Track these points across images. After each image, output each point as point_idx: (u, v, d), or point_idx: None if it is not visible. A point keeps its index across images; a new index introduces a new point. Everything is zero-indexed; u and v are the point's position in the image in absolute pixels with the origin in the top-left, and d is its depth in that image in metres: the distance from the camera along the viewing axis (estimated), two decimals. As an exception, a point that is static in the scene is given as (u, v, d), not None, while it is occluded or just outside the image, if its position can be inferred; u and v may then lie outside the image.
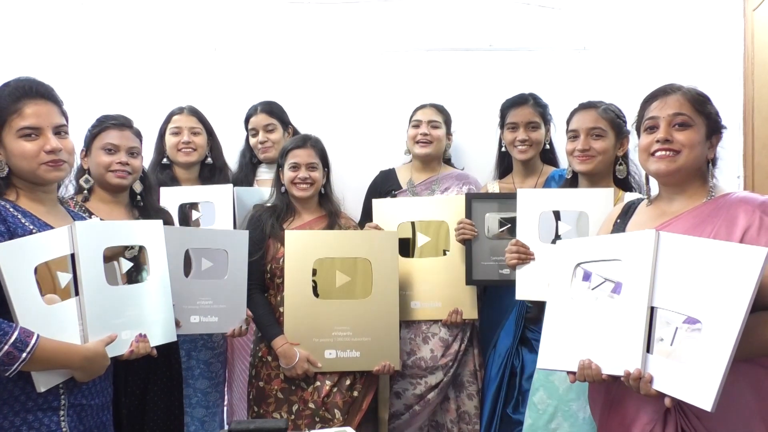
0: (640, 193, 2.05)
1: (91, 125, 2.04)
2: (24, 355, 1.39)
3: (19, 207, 1.54)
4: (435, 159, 2.64)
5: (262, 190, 2.59)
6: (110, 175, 1.99)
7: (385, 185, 2.67)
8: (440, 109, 2.64)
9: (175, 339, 1.85)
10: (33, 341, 1.41)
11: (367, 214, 2.56)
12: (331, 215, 2.38)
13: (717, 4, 2.77)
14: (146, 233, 1.79)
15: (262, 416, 2.22)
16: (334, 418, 2.20)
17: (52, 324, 1.49)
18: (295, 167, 2.31)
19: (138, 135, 2.08)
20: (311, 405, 2.20)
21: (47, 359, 1.45)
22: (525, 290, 2.08)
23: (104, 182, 2.02)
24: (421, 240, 2.46)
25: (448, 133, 2.66)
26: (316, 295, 2.23)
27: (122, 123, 2.03)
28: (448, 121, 2.65)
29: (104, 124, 2.01)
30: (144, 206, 2.11)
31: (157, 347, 1.78)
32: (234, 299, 2.16)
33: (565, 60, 2.98)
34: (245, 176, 2.74)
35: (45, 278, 1.49)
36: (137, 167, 2.04)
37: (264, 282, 2.30)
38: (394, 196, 2.60)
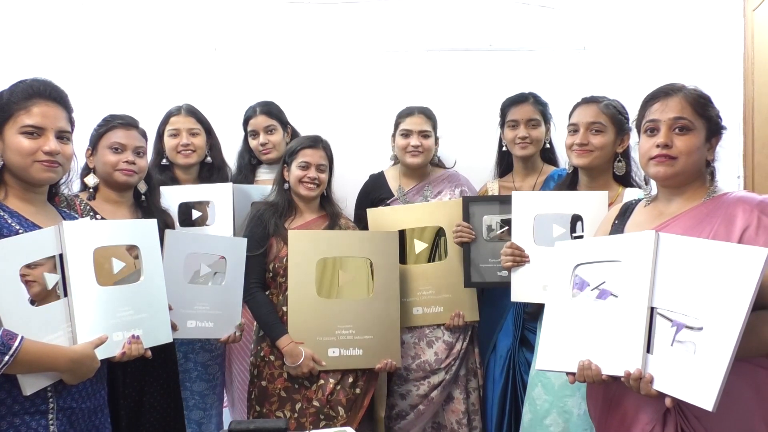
0: (641, 188, 2.04)
1: (97, 124, 2.05)
2: (6, 358, 1.35)
3: (6, 207, 1.53)
4: (425, 166, 2.60)
5: (262, 187, 2.56)
6: (117, 174, 2.00)
7: (375, 192, 2.64)
8: (429, 115, 2.55)
9: (170, 340, 1.83)
10: (16, 344, 1.37)
11: (360, 221, 2.52)
12: (332, 216, 2.39)
13: (717, 4, 2.77)
14: (140, 233, 1.77)
15: (264, 415, 2.22)
16: (338, 415, 2.21)
17: (40, 325, 1.45)
18: (305, 166, 2.31)
19: (144, 135, 2.09)
20: (315, 403, 2.20)
21: (32, 362, 1.41)
22: (520, 293, 2.10)
23: (110, 181, 2.03)
24: (419, 246, 2.46)
25: (436, 138, 2.59)
26: (319, 294, 2.23)
27: (129, 123, 2.04)
28: (435, 127, 2.58)
29: (111, 123, 2.02)
30: (147, 206, 2.11)
31: (154, 348, 1.76)
32: (230, 305, 2.15)
33: (565, 60, 2.98)
34: (244, 178, 2.71)
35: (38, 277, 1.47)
36: (143, 167, 2.05)
37: (265, 281, 2.29)
38: (387, 205, 2.57)
